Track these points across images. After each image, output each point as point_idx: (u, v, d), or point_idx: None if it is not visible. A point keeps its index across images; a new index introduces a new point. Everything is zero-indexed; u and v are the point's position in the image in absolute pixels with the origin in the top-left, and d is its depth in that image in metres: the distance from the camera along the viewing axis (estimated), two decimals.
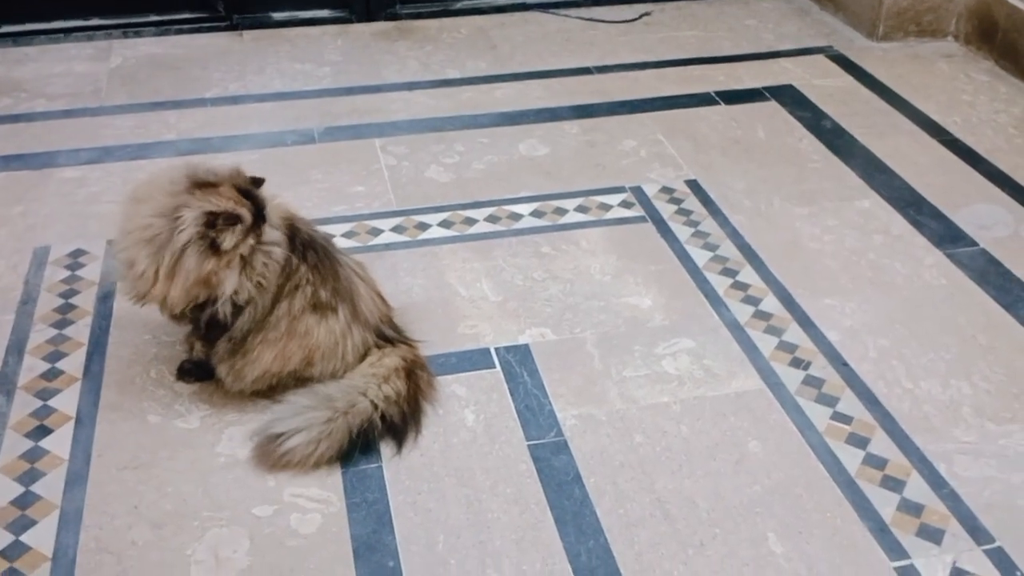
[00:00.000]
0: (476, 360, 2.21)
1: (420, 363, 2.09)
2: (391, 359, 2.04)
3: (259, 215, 1.89)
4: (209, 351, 2.01)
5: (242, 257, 1.87)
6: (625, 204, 2.76)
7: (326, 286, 1.99)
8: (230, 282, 1.87)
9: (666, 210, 2.73)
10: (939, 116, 3.22)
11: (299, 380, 2.00)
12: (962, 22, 3.72)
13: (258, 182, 1.94)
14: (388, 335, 2.10)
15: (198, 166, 1.93)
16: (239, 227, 1.85)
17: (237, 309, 1.92)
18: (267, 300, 1.94)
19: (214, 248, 1.84)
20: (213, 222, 1.83)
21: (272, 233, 1.93)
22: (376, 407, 1.94)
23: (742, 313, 2.35)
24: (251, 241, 1.87)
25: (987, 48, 3.61)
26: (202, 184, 1.87)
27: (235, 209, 1.85)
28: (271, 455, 1.90)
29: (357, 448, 1.92)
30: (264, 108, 3.24)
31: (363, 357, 2.04)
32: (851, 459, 1.97)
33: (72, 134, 3.05)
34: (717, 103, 3.29)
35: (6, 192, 2.75)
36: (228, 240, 1.84)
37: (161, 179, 1.90)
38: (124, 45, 3.64)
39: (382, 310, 2.11)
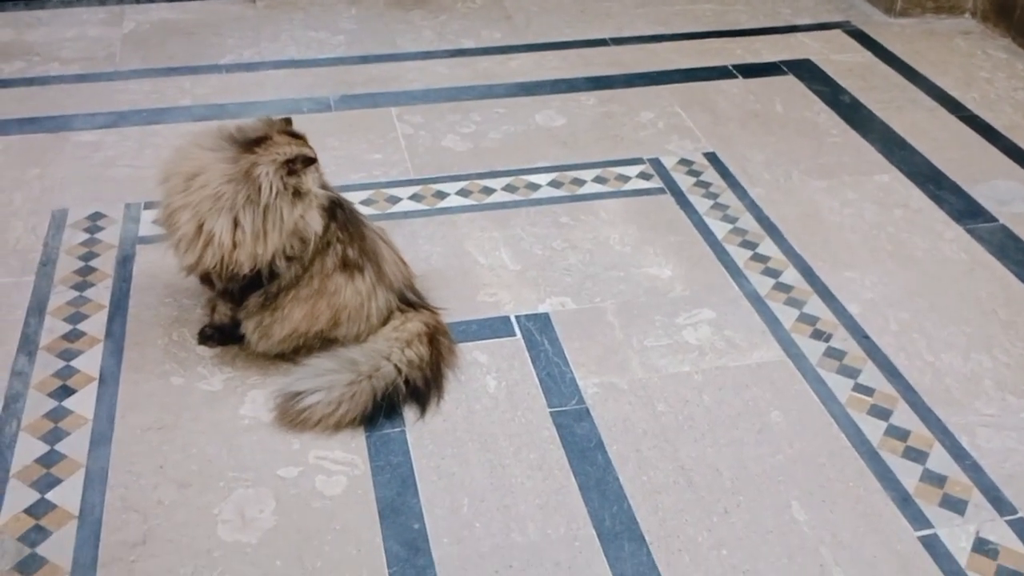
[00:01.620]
0: (497, 328, 2.21)
1: (442, 329, 2.09)
2: (413, 324, 2.04)
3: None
4: (236, 311, 2.01)
5: (319, 195, 1.92)
6: (643, 176, 2.75)
7: (353, 245, 1.99)
8: (316, 221, 1.91)
9: (685, 182, 2.72)
10: (957, 92, 3.21)
11: (324, 341, 2.00)
12: None
13: (289, 122, 1.98)
14: (410, 299, 2.10)
15: (227, 128, 1.93)
16: (314, 166, 1.90)
17: (288, 260, 1.93)
18: (309, 253, 1.94)
19: (296, 194, 1.88)
20: (293, 169, 1.87)
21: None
22: (400, 371, 1.95)
23: (762, 285, 2.35)
24: (319, 179, 1.92)
25: (1004, 25, 3.59)
26: (254, 141, 1.87)
27: (306, 151, 1.90)
28: (289, 412, 1.91)
29: (382, 412, 1.92)
30: (279, 75, 3.22)
31: (386, 320, 2.04)
32: (873, 430, 1.97)
33: (87, 98, 3.03)
34: (735, 76, 3.27)
35: (22, 155, 2.74)
36: (308, 181, 1.89)
37: (197, 150, 1.90)
38: (136, 10, 3.61)
39: (405, 274, 2.11)
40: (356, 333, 2.01)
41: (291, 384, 1.93)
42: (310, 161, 1.90)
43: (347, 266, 1.98)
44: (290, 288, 1.95)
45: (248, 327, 1.99)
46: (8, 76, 3.15)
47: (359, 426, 1.93)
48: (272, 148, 1.87)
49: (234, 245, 1.84)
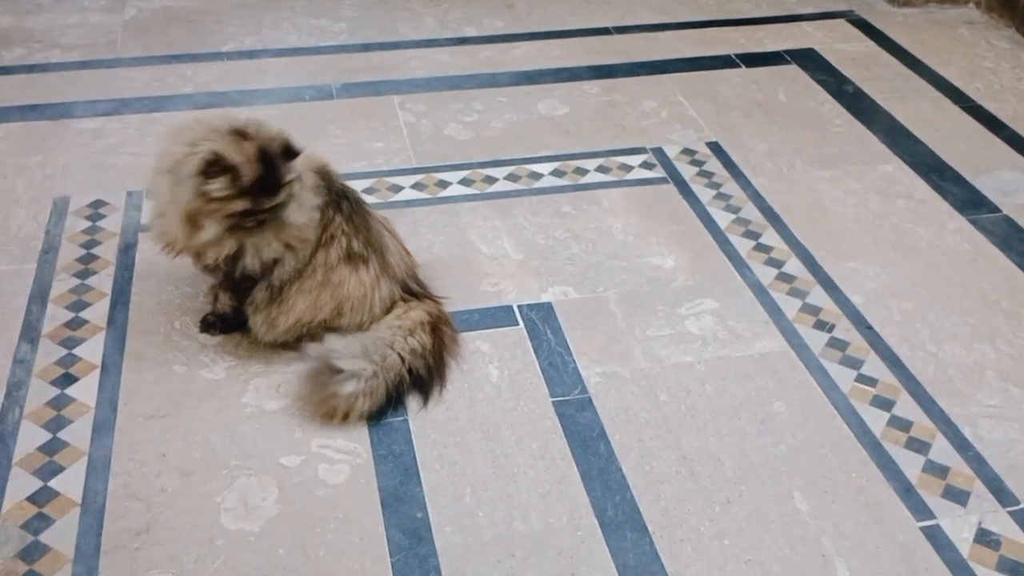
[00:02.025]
0: (499, 317, 2.21)
1: (444, 318, 2.09)
2: (416, 313, 2.04)
3: (263, 184, 1.80)
4: (238, 303, 2.01)
5: (232, 216, 1.81)
6: (646, 165, 2.74)
7: (359, 237, 1.98)
8: (209, 231, 1.83)
9: (688, 171, 2.72)
10: (961, 82, 3.20)
11: (327, 330, 2.00)
12: None
13: (292, 153, 1.86)
14: (413, 289, 2.10)
15: (253, 120, 1.90)
16: (228, 180, 1.78)
17: (273, 263, 1.91)
18: (307, 251, 1.93)
19: (201, 191, 1.79)
20: (210, 164, 1.77)
21: (311, 198, 1.90)
22: (403, 360, 1.94)
23: (765, 275, 2.35)
24: (242, 205, 1.80)
25: (1009, 15, 3.58)
26: (238, 132, 1.84)
27: (237, 163, 1.78)
28: (325, 388, 1.87)
29: (392, 406, 1.92)
30: (281, 63, 3.21)
31: (389, 310, 2.04)
32: (876, 420, 1.97)
33: (88, 85, 3.02)
34: (738, 66, 3.26)
35: (23, 142, 2.73)
36: (212, 186, 1.78)
37: (205, 122, 1.88)
38: None
39: (408, 264, 2.11)
40: (359, 322, 2.01)
41: (331, 355, 1.89)
42: (228, 170, 1.79)
43: (351, 258, 1.97)
44: (294, 280, 1.95)
45: (256, 320, 1.99)
46: (9, 63, 3.14)
47: (368, 420, 1.92)
48: (232, 143, 1.80)
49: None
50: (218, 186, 1.78)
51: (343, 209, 1.97)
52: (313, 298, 1.95)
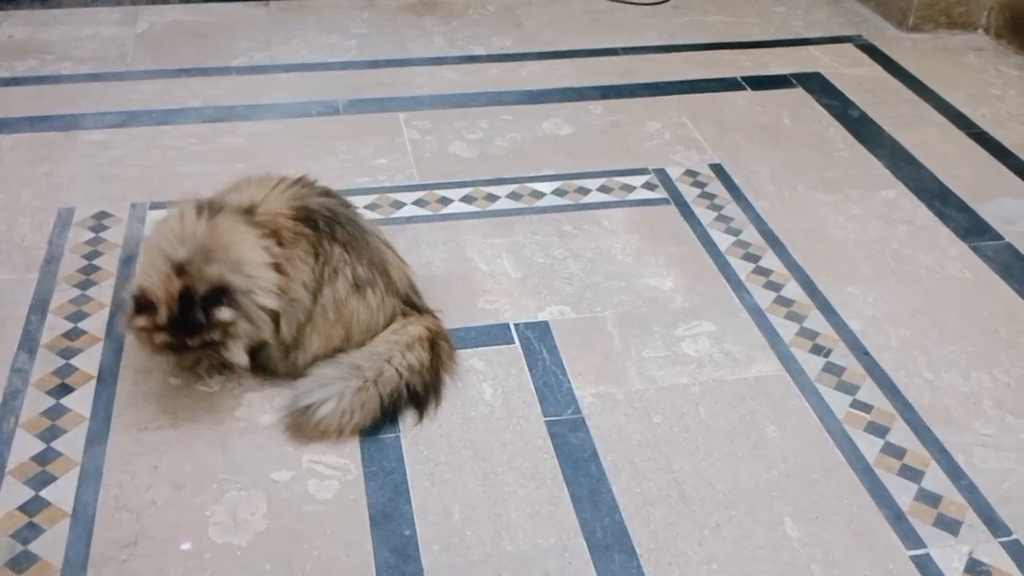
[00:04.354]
0: (495, 335, 2.21)
1: (442, 334, 2.10)
2: (415, 328, 2.04)
3: (182, 322, 1.81)
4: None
5: (159, 347, 1.88)
6: (648, 186, 2.75)
7: (362, 261, 1.98)
8: (149, 352, 1.93)
9: (689, 193, 2.72)
10: (967, 109, 3.20)
11: (336, 352, 2.01)
12: (993, 15, 3.68)
13: (225, 297, 1.82)
14: (415, 302, 2.10)
15: (205, 248, 1.86)
16: (148, 316, 1.82)
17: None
18: (308, 299, 1.95)
19: None
20: (140, 297, 1.82)
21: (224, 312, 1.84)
22: (401, 376, 1.95)
23: (764, 298, 2.34)
24: (163, 338, 1.84)
25: (1018, 42, 3.57)
26: (179, 267, 1.81)
27: (157, 301, 1.81)
28: (305, 426, 1.90)
29: (388, 418, 1.93)
30: (289, 78, 3.23)
31: (388, 323, 2.04)
32: (870, 447, 1.96)
33: (98, 97, 3.05)
34: (743, 88, 3.27)
35: (31, 152, 2.76)
36: (136, 322, 1.84)
37: (156, 248, 1.88)
38: (151, 11, 3.64)
39: (407, 275, 2.12)
40: (362, 341, 2.01)
41: (300, 398, 1.92)
42: (150, 306, 1.82)
43: (359, 287, 1.98)
44: (306, 323, 1.96)
45: (276, 367, 2.01)
46: (21, 74, 3.17)
47: (366, 433, 1.93)
48: (163, 279, 1.81)
49: None
50: (141, 322, 1.83)
51: (338, 237, 1.97)
52: (327, 334, 1.97)
